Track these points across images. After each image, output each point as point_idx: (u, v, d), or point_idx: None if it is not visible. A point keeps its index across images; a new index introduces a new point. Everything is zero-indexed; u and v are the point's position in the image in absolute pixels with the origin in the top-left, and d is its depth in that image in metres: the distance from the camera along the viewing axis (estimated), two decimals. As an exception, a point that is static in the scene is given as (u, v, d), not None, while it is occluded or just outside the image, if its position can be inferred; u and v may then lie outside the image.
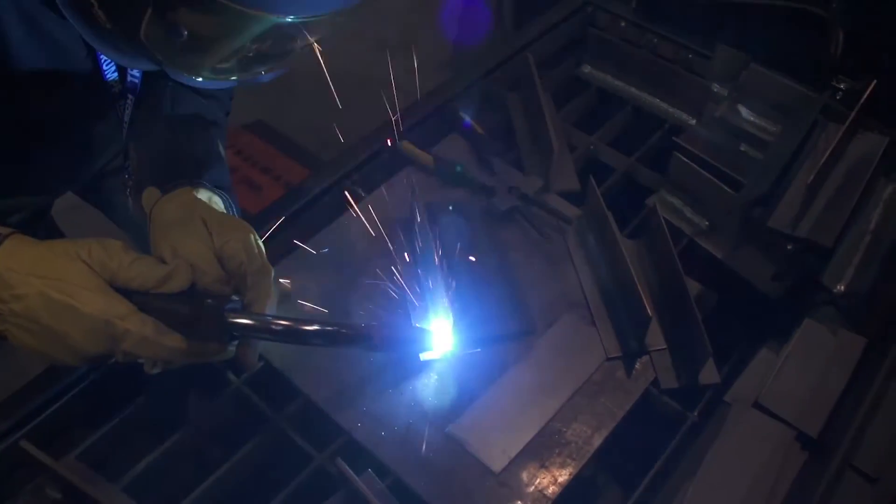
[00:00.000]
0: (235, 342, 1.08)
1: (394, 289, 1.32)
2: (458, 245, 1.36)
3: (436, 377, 1.27)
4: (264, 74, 1.11)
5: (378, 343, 1.10)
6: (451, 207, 1.42)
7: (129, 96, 1.29)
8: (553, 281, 1.42)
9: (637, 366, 1.31)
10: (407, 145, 1.55)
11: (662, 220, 1.38)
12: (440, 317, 1.24)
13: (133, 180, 1.31)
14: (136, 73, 1.28)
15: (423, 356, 1.24)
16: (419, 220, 1.34)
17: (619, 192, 1.63)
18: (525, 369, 1.29)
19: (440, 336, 1.22)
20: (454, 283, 1.31)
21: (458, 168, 1.51)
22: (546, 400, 1.25)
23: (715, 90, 1.64)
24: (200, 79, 1.10)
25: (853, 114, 1.43)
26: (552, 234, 1.48)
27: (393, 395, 1.23)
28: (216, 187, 1.24)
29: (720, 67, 1.62)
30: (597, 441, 1.21)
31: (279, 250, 1.34)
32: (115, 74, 1.26)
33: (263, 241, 1.13)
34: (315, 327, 1.05)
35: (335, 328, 1.07)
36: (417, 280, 1.31)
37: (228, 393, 1.26)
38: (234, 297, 1.08)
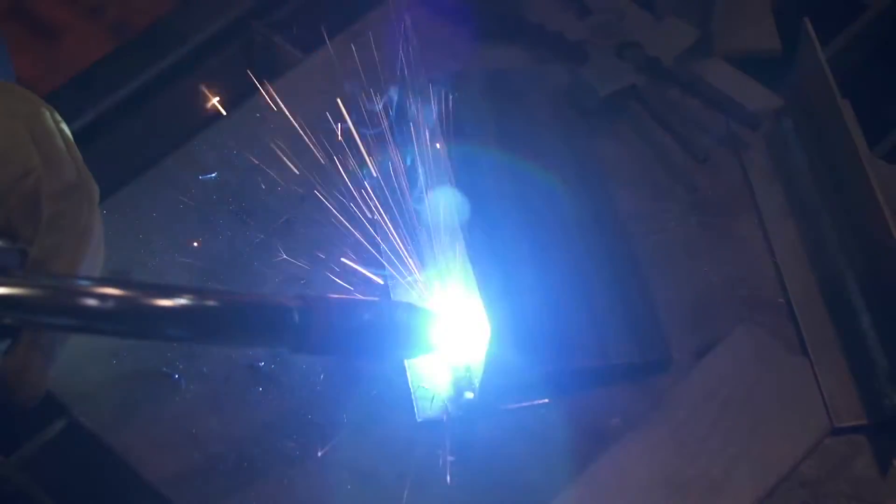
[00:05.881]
0: (6, 343, 0.81)
1: (352, 237, 1.03)
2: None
3: (452, 460, 0.95)
4: None
5: (314, 333, 0.80)
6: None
7: None
8: (712, 254, 1.12)
9: (909, 451, 1.04)
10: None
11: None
12: (454, 297, 0.96)
13: None
14: None
15: (421, 414, 0.97)
16: (413, 104, 1.03)
17: (872, 60, 1.27)
18: (648, 447, 0.99)
19: (459, 336, 0.93)
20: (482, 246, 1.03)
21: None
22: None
23: None
24: None
25: None
26: (714, 152, 1.15)
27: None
28: None
29: None
30: None
31: (109, 167, 1.02)
32: None
33: (77, 141, 0.88)
34: (181, 301, 0.76)
35: (223, 300, 0.79)
36: (408, 221, 1.03)
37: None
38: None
